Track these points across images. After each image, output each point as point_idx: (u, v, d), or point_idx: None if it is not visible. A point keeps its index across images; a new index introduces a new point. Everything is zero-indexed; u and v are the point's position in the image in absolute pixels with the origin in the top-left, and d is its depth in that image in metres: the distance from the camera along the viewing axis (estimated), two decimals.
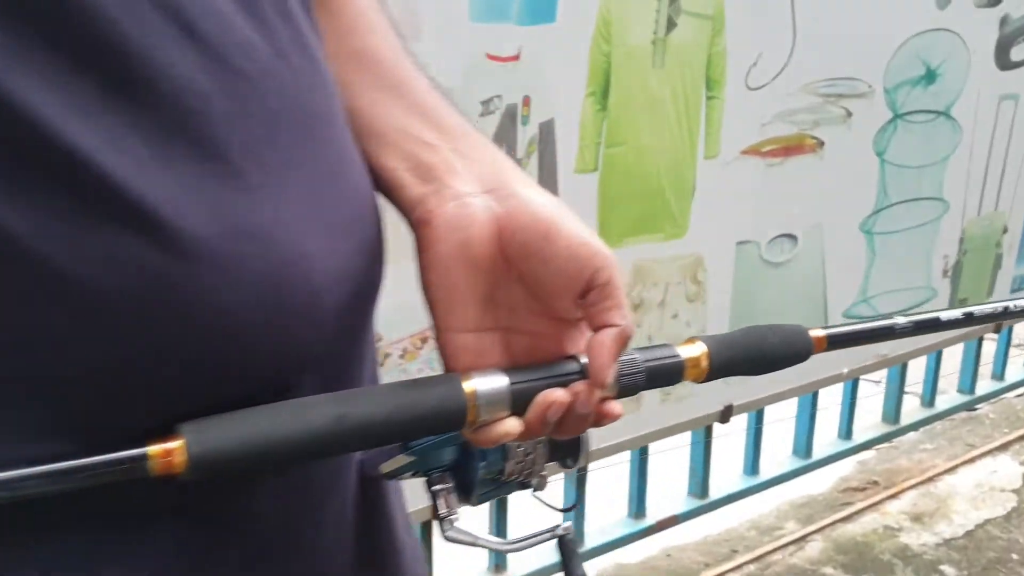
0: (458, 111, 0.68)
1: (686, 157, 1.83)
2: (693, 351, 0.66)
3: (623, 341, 0.60)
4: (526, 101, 1.59)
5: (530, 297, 0.61)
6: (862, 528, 2.52)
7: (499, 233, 0.60)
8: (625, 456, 2.10)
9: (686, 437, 2.21)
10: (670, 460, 2.21)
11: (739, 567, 2.35)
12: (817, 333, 0.73)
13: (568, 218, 0.60)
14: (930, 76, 2.16)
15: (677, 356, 0.65)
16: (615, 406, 0.64)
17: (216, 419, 0.50)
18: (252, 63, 0.52)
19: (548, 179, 1.66)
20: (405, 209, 0.63)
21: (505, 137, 1.58)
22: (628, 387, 0.64)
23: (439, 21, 1.46)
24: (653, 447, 2.13)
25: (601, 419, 0.64)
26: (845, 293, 2.23)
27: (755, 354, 0.69)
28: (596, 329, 0.60)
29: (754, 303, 2.05)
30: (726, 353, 0.68)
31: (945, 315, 0.81)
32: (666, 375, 0.66)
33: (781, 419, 2.39)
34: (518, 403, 0.60)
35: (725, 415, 2.12)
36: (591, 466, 2.01)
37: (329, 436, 0.54)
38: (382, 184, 0.64)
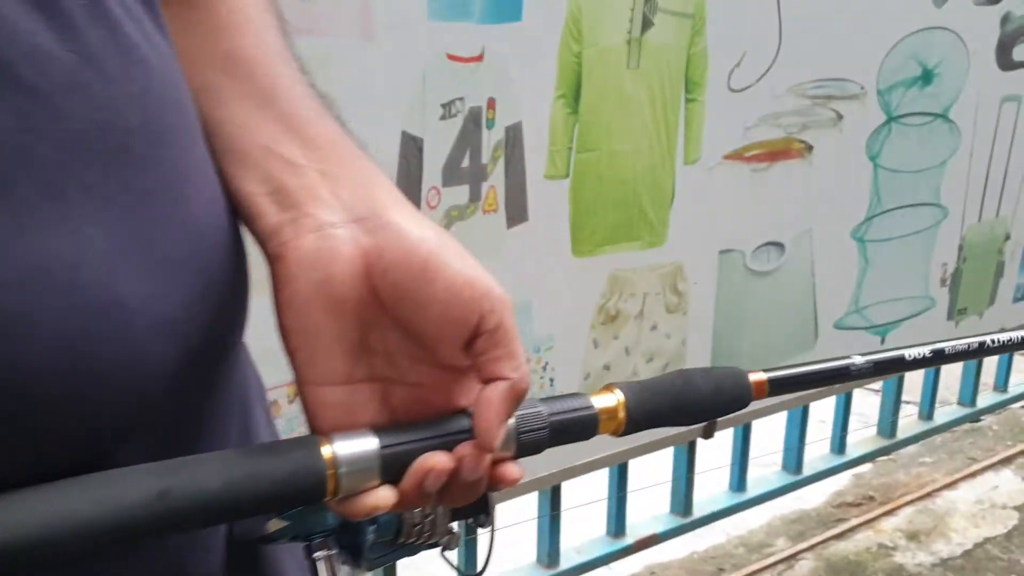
0: (337, 122, 0.59)
1: (664, 162, 1.74)
2: (608, 401, 0.57)
3: (516, 396, 0.51)
4: (491, 103, 1.51)
5: (411, 343, 0.52)
6: (855, 546, 2.43)
7: (368, 270, 0.51)
8: (603, 473, 2.02)
9: (669, 453, 2.13)
10: (652, 476, 2.12)
11: None
12: (757, 377, 0.64)
13: (451, 252, 0.51)
14: (927, 77, 2.06)
15: (589, 408, 0.56)
16: (512, 469, 0.55)
17: None
18: (45, 77, 0.43)
19: (516, 185, 1.57)
20: (261, 241, 0.54)
21: (469, 141, 1.50)
22: (529, 445, 0.55)
23: (394, 19, 1.37)
24: (633, 463, 2.04)
25: (496, 484, 0.55)
26: (836, 303, 2.13)
27: (683, 403, 0.60)
28: (485, 382, 0.51)
29: (739, 314, 1.96)
30: (648, 402, 0.59)
31: (911, 352, 0.72)
32: (576, 430, 0.57)
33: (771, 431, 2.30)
34: (391, 469, 0.51)
35: (708, 430, 2.03)
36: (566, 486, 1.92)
37: (147, 517, 0.45)
38: (241, 212, 0.55)
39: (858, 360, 0.69)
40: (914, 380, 2.62)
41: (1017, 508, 2.63)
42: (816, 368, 0.68)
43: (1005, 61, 2.21)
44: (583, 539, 2.06)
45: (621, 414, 0.57)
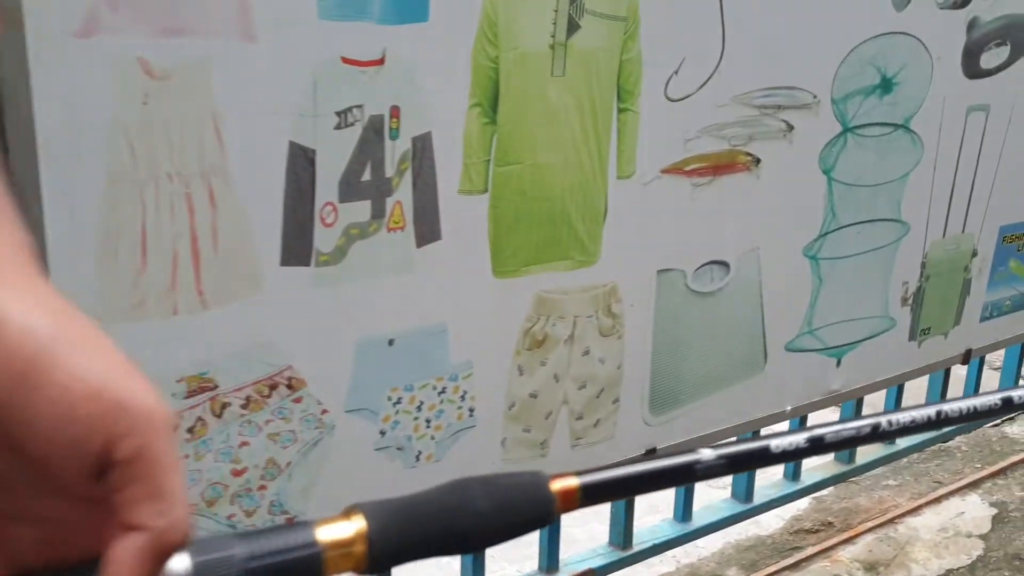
0: None
1: (595, 177, 1.61)
2: (341, 531, 0.44)
3: (159, 553, 0.38)
4: (395, 112, 1.38)
5: (30, 469, 0.40)
6: None
7: None
8: None
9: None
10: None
11: None
12: (565, 484, 0.51)
13: (73, 348, 0.38)
14: (886, 85, 1.94)
15: (310, 545, 0.43)
16: None
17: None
18: None
19: (426, 200, 1.44)
20: None
21: (370, 153, 1.37)
22: None
23: (279, 18, 1.24)
24: None
25: None
26: (787, 325, 2.01)
27: (454, 529, 0.47)
28: (123, 529, 0.38)
29: (681, 337, 1.83)
30: (402, 531, 0.46)
31: (778, 443, 0.60)
32: None
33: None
34: None
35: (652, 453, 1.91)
36: None
37: None
38: None
39: (706, 455, 0.56)
40: (875, 400, 2.50)
41: (983, 537, 2.51)
42: (651, 467, 0.55)
43: (972, 69, 2.09)
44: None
45: (360, 547, 0.44)
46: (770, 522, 2.57)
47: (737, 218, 1.82)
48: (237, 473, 1.41)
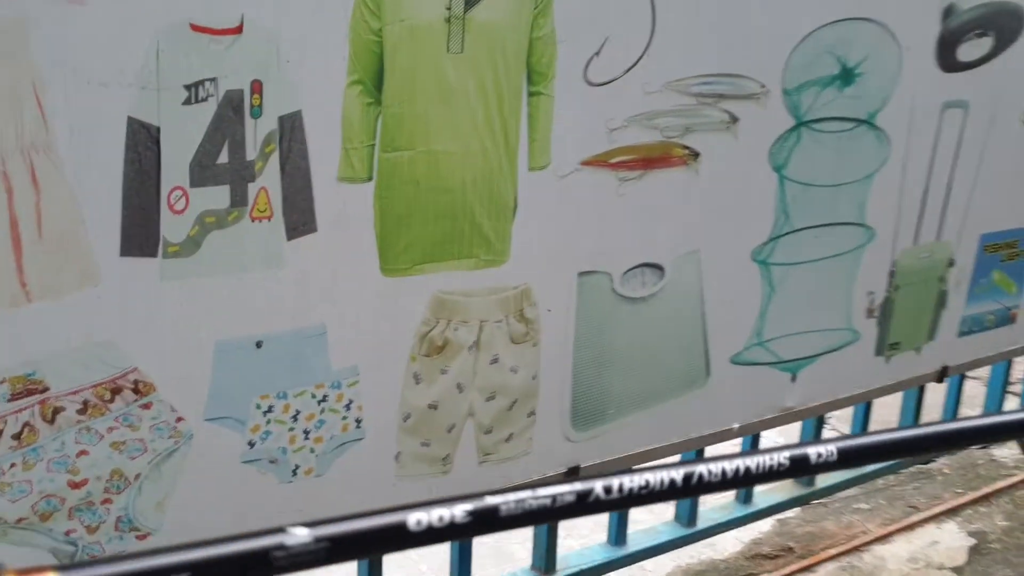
0: None
1: (502, 167, 1.45)
2: None
3: None
4: (256, 87, 1.23)
5: None
6: None
7: None
8: None
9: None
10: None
11: None
12: None
13: None
14: (846, 76, 1.77)
15: None
16: None
17: None
18: None
19: (297, 187, 1.29)
20: None
21: (226, 132, 1.22)
22: None
23: None
24: None
25: None
26: (734, 335, 1.84)
27: None
28: None
29: (607, 346, 1.67)
30: None
31: (508, 502, 0.44)
32: None
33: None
34: None
35: (574, 471, 1.75)
36: None
37: None
38: None
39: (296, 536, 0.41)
40: (843, 415, 2.33)
41: (956, 570, 2.33)
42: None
43: (948, 61, 1.91)
44: None
45: None
46: (727, 545, 2.40)
47: (672, 217, 1.66)
48: (75, 485, 1.26)
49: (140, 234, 1.20)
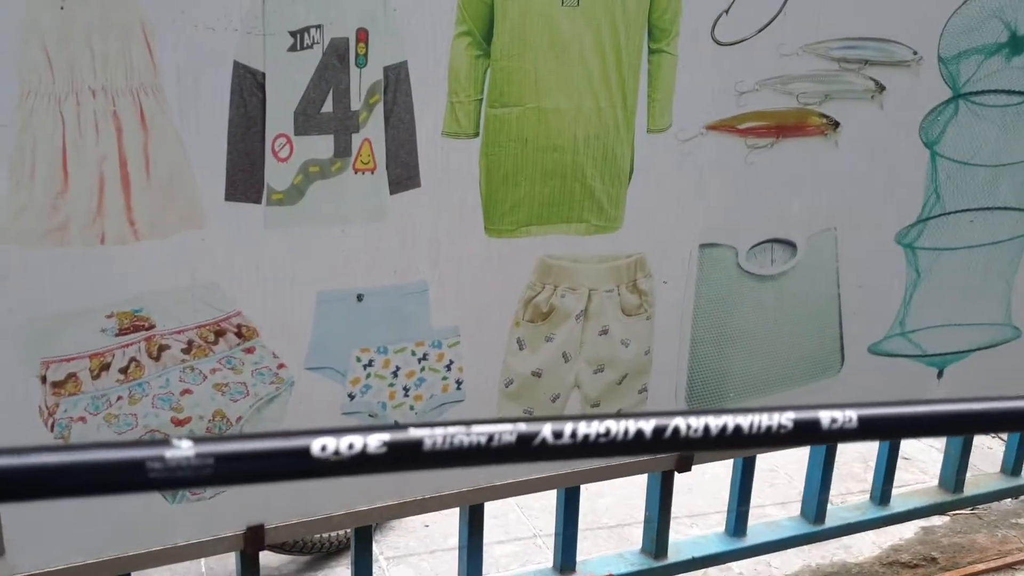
0: None
1: (618, 128, 1.39)
2: None
3: None
4: (361, 36, 1.22)
5: None
6: None
7: None
8: (551, 497, 1.69)
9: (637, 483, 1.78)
10: (619, 510, 1.78)
11: None
12: None
13: None
14: (1016, 44, 1.59)
15: None
16: None
17: None
18: None
19: (401, 141, 1.28)
20: None
21: (331, 80, 1.22)
22: None
23: None
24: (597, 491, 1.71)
25: None
26: (873, 322, 1.71)
27: None
28: None
29: (729, 324, 1.59)
30: None
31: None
32: None
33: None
34: None
35: (683, 463, 1.67)
36: None
37: None
38: None
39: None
40: None
41: None
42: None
43: None
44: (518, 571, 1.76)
45: None
46: (863, 548, 2.26)
47: (807, 191, 1.55)
48: (179, 422, 1.30)
49: (245, 180, 1.21)
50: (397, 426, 0.40)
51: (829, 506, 1.93)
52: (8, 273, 1.14)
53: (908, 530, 2.30)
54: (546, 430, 0.41)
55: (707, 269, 1.53)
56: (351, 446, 0.39)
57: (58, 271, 1.17)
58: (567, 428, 0.42)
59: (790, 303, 1.62)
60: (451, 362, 1.42)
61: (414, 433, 0.40)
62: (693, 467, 1.69)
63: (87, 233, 1.16)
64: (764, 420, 0.44)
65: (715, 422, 0.43)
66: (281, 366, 1.33)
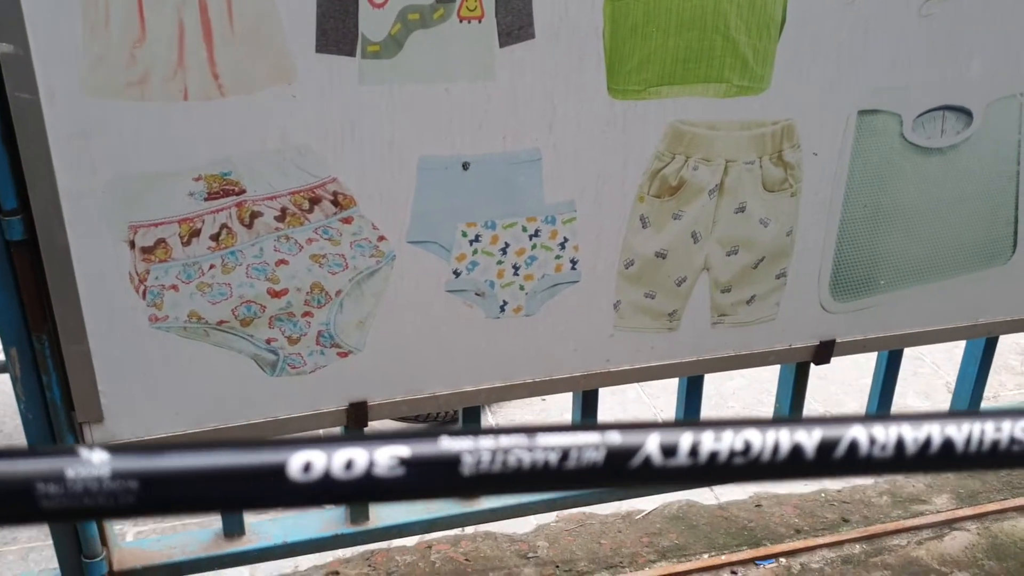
0: None
1: None
2: None
3: None
4: None
5: None
6: None
7: None
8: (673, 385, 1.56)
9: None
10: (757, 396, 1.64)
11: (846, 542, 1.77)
12: None
13: None
14: None
15: None
16: None
17: None
18: None
19: None
20: None
21: None
22: None
23: None
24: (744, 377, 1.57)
25: None
26: None
27: None
28: None
29: (889, 204, 1.39)
30: None
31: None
32: None
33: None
34: None
35: (822, 353, 1.51)
36: None
37: None
38: None
39: None
40: None
41: None
42: None
43: None
44: None
45: None
46: None
47: (991, 49, 1.31)
48: (275, 294, 1.22)
49: (337, 28, 1.08)
50: (419, 436, 0.27)
51: (983, 404, 1.75)
52: (88, 129, 1.06)
53: None
54: (651, 445, 0.28)
55: (865, 140, 1.33)
56: (349, 465, 0.26)
57: (141, 128, 1.07)
58: (684, 442, 0.28)
59: (959, 180, 1.40)
60: (565, 239, 1.29)
61: (447, 446, 0.27)
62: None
63: (168, 87, 1.06)
64: (989, 431, 0.30)
65: (913, 433, 0.29)
66: (381, 238, 1.22)
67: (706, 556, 1.71)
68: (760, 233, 1.36)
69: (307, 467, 0.26)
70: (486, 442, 0.28)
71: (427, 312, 1.29)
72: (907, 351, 2.04)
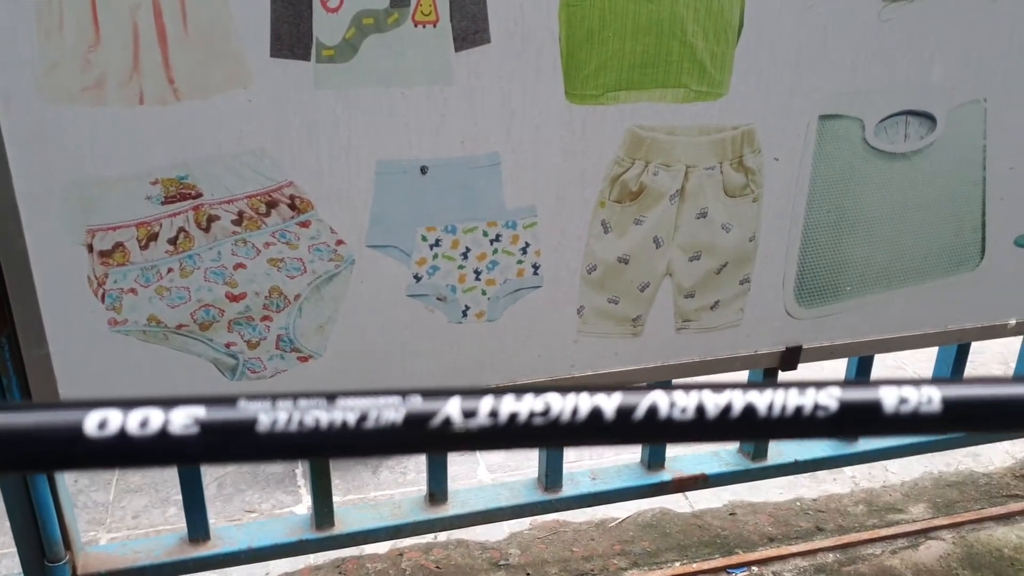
0: None
1: None
2: None
3: None
4: None
5: None
6: (1015, 537, 1.81)
7: None
8: None
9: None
10: None
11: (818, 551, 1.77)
12: None
13: None
14: None
15: None
16: None
17: None
18: None
19: None
20: None
21: None
22: None
23: None
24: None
25: None
26: (1022, 211, 1.48)
27: None
28: None
29: (852, 209, 1.39)
30: None
31: None
32: None
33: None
34: None
35: (788, 359, 1.51)
36: None
37: None
38: None
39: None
40: None
41: None
42: None
43: None
44: (602, 464, 1.65)
45: None
46: (994, 457, 2.06)
47: (954, 53, 1.32)
48: (233, 298, 1.23)
49: (291, 33, 1.09)
50: (218, 398, 0.27)
51: None
52: (45, 133, 1.06)
53: None
54: (452, 407, 0.28)
55: (827, 145, 1.34)
56: (144, 423, 0.27)
57: (97, 132, 1.08)
58: (484, 404, 0.28)
59: (924, 186, 1.41)
60: (527, 244, 1.29)
61: (244, 407, 0.27)
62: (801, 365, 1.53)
63: (124, 91, 1.07)
64: (792, 398, 0.30)
65: (714, 399, 0.29)
66: (340, 242, 1.23)
67: (678, 564, 1.70)
68: (722, 238, 1.37)
69: (103, 424, 0.26)
70: (284, 403, 0.28)
71: (388, 317, 1.29)
72: (888, 358, 2.04)
